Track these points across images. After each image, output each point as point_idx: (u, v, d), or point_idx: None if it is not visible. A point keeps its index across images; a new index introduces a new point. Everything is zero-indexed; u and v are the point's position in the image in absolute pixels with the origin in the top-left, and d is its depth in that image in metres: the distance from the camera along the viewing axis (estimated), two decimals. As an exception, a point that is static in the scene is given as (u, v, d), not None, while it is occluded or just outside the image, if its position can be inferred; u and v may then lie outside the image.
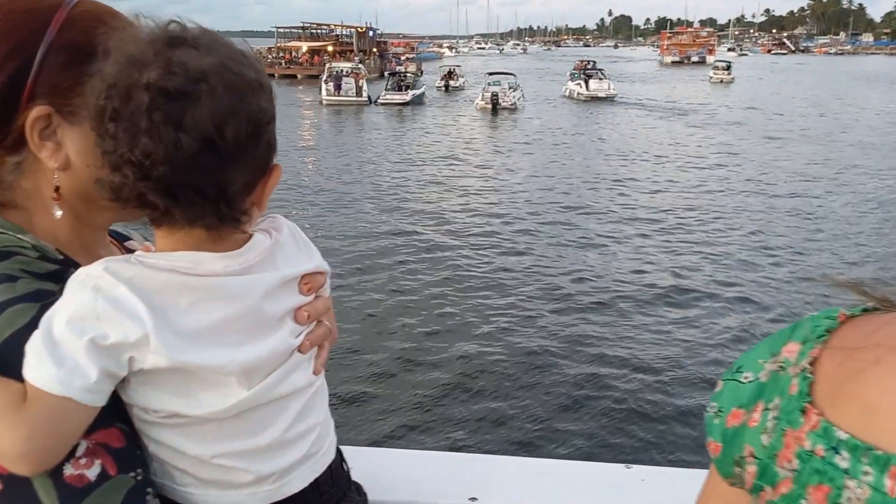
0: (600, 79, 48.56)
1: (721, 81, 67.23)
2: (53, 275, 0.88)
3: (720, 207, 17.77)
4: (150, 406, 0.82)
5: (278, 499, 0.90)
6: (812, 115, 40.65)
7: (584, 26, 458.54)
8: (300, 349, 0.91)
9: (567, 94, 48.73)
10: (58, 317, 0.77)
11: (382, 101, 43.19)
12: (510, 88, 42.44)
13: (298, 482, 0.92)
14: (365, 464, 1.13)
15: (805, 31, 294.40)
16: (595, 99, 46.12)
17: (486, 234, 14.94)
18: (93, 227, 1.01)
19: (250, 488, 0.88)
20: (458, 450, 6.79)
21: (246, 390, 0.83)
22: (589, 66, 53.39)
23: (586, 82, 47.67)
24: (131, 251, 1.08)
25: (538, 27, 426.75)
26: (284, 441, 0.89)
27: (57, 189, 0.92)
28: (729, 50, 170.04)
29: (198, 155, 0.77)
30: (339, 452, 1.02)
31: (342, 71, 47.19)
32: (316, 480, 0.94)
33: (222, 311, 0.82)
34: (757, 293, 11.62)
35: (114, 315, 0.77)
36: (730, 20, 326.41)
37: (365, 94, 44.11)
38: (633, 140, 29.97)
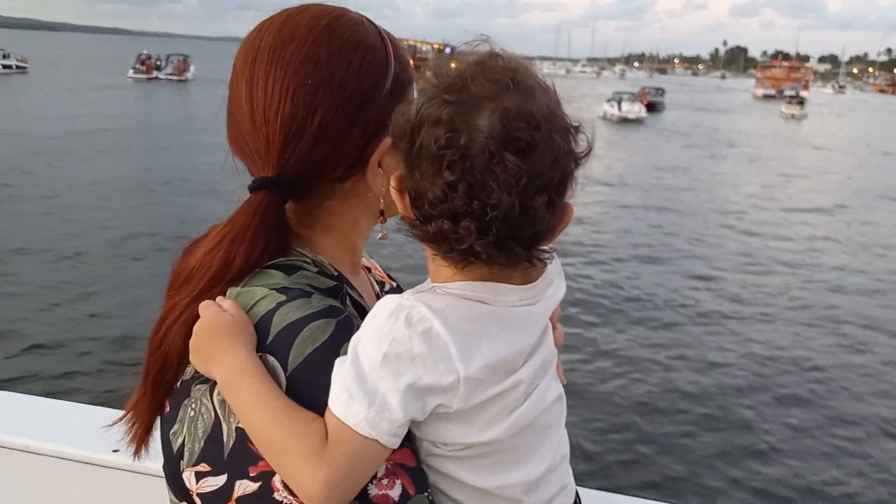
0: (632, 101, 51.06)
1: (792, 116, 66.27)
2: (332, 290, 0.89)
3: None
4: (441, 440, 0.80)
5: None
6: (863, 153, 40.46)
7: (698, 55, 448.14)
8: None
9: (602, 114, 50.71)
10: (369, 349, 0.74)
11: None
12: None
13: None
14: None
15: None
16: (625, 120, 48.61)
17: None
18: (363, 245, 1.05)
19: None
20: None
21: (524, 398, 0.81)
22: (653, 94, 54.52)
23: (619, 104, 50.03)
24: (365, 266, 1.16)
25: (649, 54, 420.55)
26: (551, 468, 0.87)
27: (382, 212, 0.96)
28: (839, 87, 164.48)
29: (540, 209, 0.73)
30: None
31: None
32: None
33: (524, 341, 0.81)
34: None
35: (429, 356, 0.73)
36: (849, 57, 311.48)
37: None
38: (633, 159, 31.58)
